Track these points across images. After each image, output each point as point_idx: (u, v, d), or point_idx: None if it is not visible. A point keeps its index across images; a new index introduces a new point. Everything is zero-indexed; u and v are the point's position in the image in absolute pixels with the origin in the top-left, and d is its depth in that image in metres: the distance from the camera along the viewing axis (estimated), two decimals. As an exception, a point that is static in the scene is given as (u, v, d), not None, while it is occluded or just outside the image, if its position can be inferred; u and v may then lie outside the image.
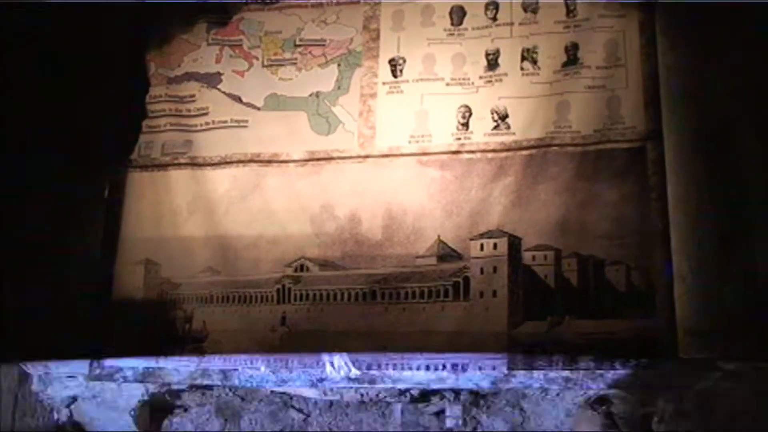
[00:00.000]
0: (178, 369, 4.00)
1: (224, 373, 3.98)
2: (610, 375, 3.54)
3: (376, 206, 4.03)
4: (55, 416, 4.16)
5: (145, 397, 4.09)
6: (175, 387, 4.07)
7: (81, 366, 4.06)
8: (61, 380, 4.12)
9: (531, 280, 3.76)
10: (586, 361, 3.57)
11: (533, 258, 3.78)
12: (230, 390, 4.09)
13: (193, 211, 4.25)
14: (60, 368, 4.09)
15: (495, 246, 3.82)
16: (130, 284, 4.20)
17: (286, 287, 4.02)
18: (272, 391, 4.05)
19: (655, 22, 3.87)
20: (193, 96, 4.43)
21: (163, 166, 4.36)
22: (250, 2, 4.45)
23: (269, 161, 4.24)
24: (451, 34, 4.19)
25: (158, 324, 4.10)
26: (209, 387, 4.06)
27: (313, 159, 4.18)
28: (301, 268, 4.04)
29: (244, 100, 4.36)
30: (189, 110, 4.42)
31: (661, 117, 3.76)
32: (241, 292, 4.07)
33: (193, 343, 4.04)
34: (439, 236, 3.93)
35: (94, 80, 4.26)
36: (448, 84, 4.13)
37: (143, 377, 4.03)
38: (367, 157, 4.12)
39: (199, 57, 4.47)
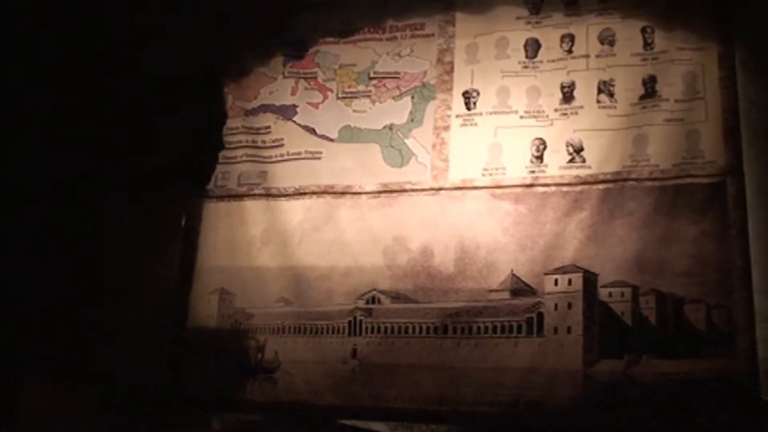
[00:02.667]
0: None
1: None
2: (690, 417, 3.58)
3: (449, 239, 4.16)
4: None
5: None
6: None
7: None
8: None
9: (607, 317, 3.82)
10: (664, 403, 3.61)
11: (610, 294, 3.84)
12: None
13: (267, 241, 4.46)
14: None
15: (570, 281, 3.90)
16: (204, 313, 4.43)
17: (357, 319, 4.19)
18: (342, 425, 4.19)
19: (735, 54, 3.96)
20: (268, 128, 4.67)
21: (239, 197, 4.60)
22: (326, 36, 4.72)
23: (342, 193, 4.43)
24: (526, 67, 4.34)
25: (231, 353, 4.32)
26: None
27: (386, 191, 4.36)
28: (373, 300, 4.21)
29: (319, 132, 4.59)
30: (264, 142, 4.66)
31: (741, 151, 3.83)
32: (313, 324, 4.26)
33: (265, 374, 4.25)
34: (512, 270, 4.03)
35: (173, 110, 4.45)
36: (522, 117, 4.27)
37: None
38: (440, 189, 4.28)
39: (275, 89, 4.73)
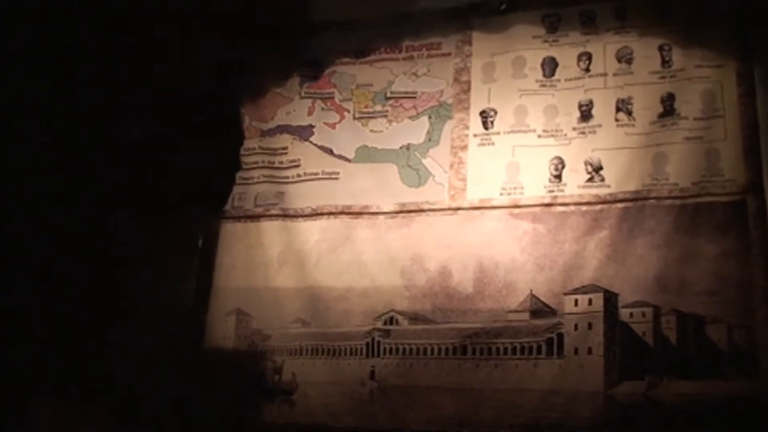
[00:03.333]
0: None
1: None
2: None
3: (467, 259, 4.19)
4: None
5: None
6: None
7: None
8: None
9: (628, 337, 3.83)
10: (685, 425, 3.60)
11: (630, 315, 3.85)
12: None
13: (284, 262, 4.52)
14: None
15: (590, 301, 3.91)
16: (221, 334, 4.48)
17: (375, 340, 4.22)
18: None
19: (754, 71, 3.96)
20: (285, 148, 4.74)
21: (256, 218, 4.65)
22: (342, 56, 4.78)
23: (360, 213, 4.48)
24: (543, 86, 4.37)
25: (248, 375, 4.35)
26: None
27: (404, 211, 4.40)
28: (391, 321, 4.25)
29: (336, 152, 4.65)
30: (281, 162, 4.73)
31: (761, 169, 3.83)
32: (330, 345, 4.30)
33: (283, 396, 4.27)
34: (531, 291, 4.05)
35: (190, 131, 4.53)
36: (540, 136, 4.30)
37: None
38: (457, 209, 4.32)
39: (292, 110, 4.80)
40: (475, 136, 4.43)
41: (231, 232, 4.68)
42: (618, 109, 4.18)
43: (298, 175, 4.68)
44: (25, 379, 3.75)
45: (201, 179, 4.45)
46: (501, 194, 4.28)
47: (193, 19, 4.29)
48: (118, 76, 4.15)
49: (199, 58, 4.38)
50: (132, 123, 4.24)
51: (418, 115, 4.56)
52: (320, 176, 4.63)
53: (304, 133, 4.74)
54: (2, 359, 3.71)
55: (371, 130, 4.63)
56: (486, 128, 4.42)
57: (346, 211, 4.51)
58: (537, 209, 4.18)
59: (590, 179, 4.14)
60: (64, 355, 3.88)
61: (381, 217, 4.45)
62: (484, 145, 4.40)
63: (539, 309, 4.02)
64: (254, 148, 4.78)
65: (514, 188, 4.27)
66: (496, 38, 4.52)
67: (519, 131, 4.35)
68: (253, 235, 4.63)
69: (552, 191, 4.19)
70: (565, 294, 3.98)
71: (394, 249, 4.35)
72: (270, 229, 4.61)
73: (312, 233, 4.51)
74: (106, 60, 4.14)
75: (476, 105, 4.47)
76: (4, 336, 3.71)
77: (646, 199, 3.99)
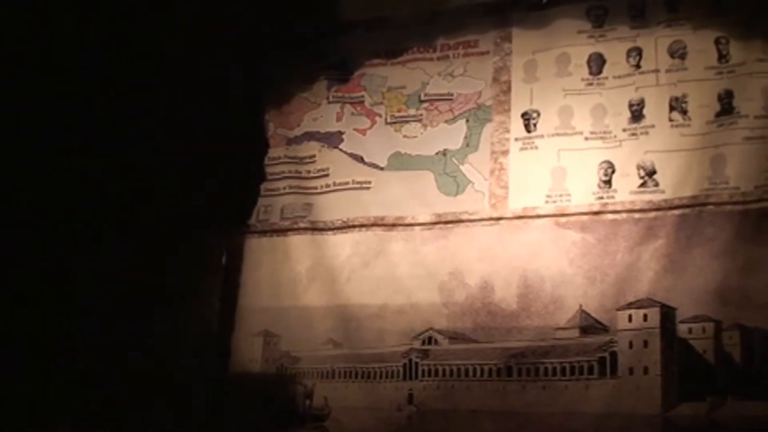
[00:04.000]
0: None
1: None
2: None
3: (510, 273, 4.22)
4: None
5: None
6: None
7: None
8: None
9: (687, 355, 3.84)
10: None
11: (689, 330, 3.86)
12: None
13: (313, 278, 4.60)
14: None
15: (645, 317, 3.93)
16: (247, 357, 4.57)
17: (413, 362, 4.27)
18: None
19: None
20: (313, 157, 4.81)
21: (283, 231, 4.74)
22: (372, 57, 4.86)
23: (393, 225, 4.53)
24: (590, 84, 4.40)
25: (277, 400, 4.44)
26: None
27: (441, 222, 4.44)
28: (429, 340, 4.29)
29: (367, 160, 4.72)
30: (309, 172, 4.80)
31: None
32: (364, 367, 4.36)
33: (314, 422, 4.32)
34: (581, 306, 4.07)
35: (213, 141, 4.58)
36: (587, 138, 4.33)
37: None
38: (499, 219, 4.35)
39: (320, 116, 4.88)
40: (516, 140, 4.45)
41: (256, 247, 4.74)
42: (672, 108, 4.19)
43: (327, 185, 4.73)
44: (45, 408, 3.86)
45: (223, 192, 4.58)
46: (546, 202, 4.30)
47: (209, 22, 4.43)
48: (130, 84, 4.31)
49: (218, 64, 4.51)
50: (146, 136, 4.38)
51: (454, 119, 4.60)
52: (350, 186, 4.68)
53: (332, 140, 4.81)
54: (23, 388, 3.83)
55: (405, 136, 4.67)
56: (528, 131, 4.44)
57: (379, 222, 4.56)
58: (585, 218, 4.19)
59: (643, 184, 4.15)
60: (83, 383, 3.98)
61: (416, 228, 4.48)
62: (526, 149, 4.43)
63: (590, 326, 4.03)
64: (280, 157, 4.86)
65: (560, 195, 4.29)
66: (537, 34, 4.54)
67: (564, 134, 4.37)
68: (279, 250, 4.70)
69: (601, 198, 4.20)
70: (618, 309, 3.99)
71: (431, 263, 4.38)
72: (298, 243, 4.68)
73: (343, 247, 4.57)
74: (115, 67, 4.28)
75: (517, 106, 4.49)
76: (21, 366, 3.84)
77: (704, 204, 3.99)
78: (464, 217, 4.41)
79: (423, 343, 4.29)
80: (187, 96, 4.45)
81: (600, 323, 4.02)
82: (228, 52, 4.54)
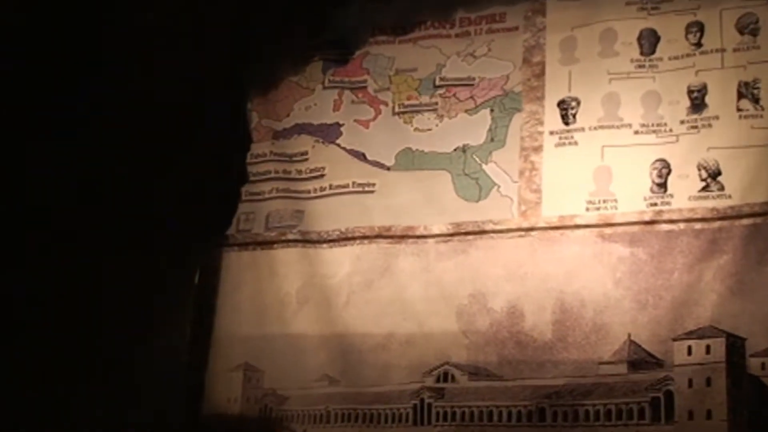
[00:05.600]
0: None
1: None
2: None
3: (544, 295, 4.22)
4: None
5: None
6: None
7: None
8: None
9: (759, 396, 3.82)
10: None
11: (762, 366, 3.85)
12: None
13: (304, 301, 4.59)
14: None
15: (708, 349, 3.91)
16: (225, 396, 4.55)
17: (425, 403, 4.24)
18: None
19: None
20: (305, 154, 4.82)
21: (268, 244, 4.73)
22: (377, 33, 4.87)
23: (402, 236, 4.53)
24: (641, 66, 4.39)
25: (260, 448, 4.42)
26: None
27: (459, 233, 4.44)
28: (445, 377, 4.28)
29: (370, 157, 4.73)
30: (300, 172, 4.80)
31: None
32: (366, 409, 4.34)
33: (306, 476, 4.34)
34: (629, 335, 4.06)
35: (182, 134, 4.53)
36: (637, 132, 4.32)
37: None
38: (530, 229, 4.35)
39: (313, 104, 4.89)
40: (551, 133, 4.46)
41: (236, 263, 4.75)
42: (740, 96, 4.18)
43: (322, 188, 4.75)
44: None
45: (195, 197, 4.58)
46: (587, 209, 4.30)
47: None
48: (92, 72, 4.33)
49: (188, 38, 4.52)
50: (111, 130, 4.39)
51: (476, 108, 4.61)
52: (350, 189, 4.70)
53: (329, 133, 4.82)
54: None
55: (416, 129, 4.69)
56: (566, 123, 4.45)
57: (385, 233, 4.57)
58: (635, 228, 4.19)
59: (705, 188, 4.15)
60: (37, 422, 4.01)
61: (430, 241, 4.48)
62: (563, 145, 4.43)
63: (640, 359, 4.02)
64: (265, 155, 4.88)
65: (605, 201, 4.29)
66: (577, 6, 4.56)
67: (610, 126, 4.37)
68: (264, 266, 4.71)
69: (655, 204, 4.20)
70: (675, 339, 3.99)
71: (448, 283, 4.38)
72: (286, 258, 4.68)
73: (340, 263, 4.57)
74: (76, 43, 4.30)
75: (553, 93, 4.50)
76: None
77: (779, 213, 4.02)
78: (488, 227, 4.41)
79: (437, 380, 4.28)
80: (148, 76, 4.30)
81: (653, 356, 4.01)
82: (202, 25, 4.51)
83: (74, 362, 4.09)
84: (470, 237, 4.42)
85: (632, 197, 4.24)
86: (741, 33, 4.25)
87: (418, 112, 4.70)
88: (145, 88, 4.31)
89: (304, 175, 4.81)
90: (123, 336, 4.22)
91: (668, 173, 4.22)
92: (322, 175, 4.78)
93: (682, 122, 4.26)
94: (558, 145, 4.44)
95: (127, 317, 4.27)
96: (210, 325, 4.67)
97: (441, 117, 4.66)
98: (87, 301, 4.22)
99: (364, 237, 4.60)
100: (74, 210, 4.21)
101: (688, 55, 4.33)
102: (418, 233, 4.52)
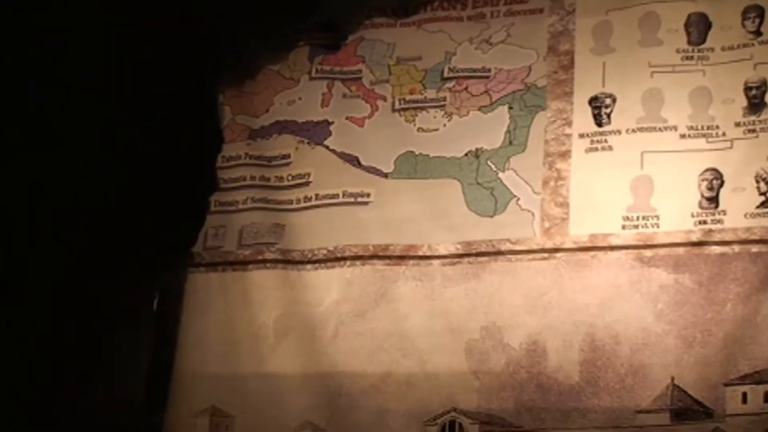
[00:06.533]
0: None
1: None
2: None
3: (571, 330, 4.16)
4: None
5: None
6: None
7: None
8: None
9: (831, 455, 3.81)
10: None
11: (834, 418, 3.85)
12: None
13: (284, 333, 4.51)
14: None
15: (767, 396, 3.87)
16: (187, 446, 4.40)
17: (429, 457, 4.15)
18: None
19: None
20: (287, 157, 4.77)
21: (241, 264, 4.66)
22: (375, 15, 4.85)
23: (402, 257, 4.46)
24: (689, 58, 4.35)
25: None
26: None
27: (470, 254, 4.38)
28: (452, 426, 4.19)
29: (364, 162, 4.67)
30: (281, 178, 4.74)
31: None
32: (357, 464, 4.23)
33: None
34: (673, 379, 3.99)
35: (140, 133, 4.50)
36: (684, 135, 4.26)
37: None
38: (555, 251, 4.28)
39: (297, 98, 4.84)
40: (582, 136, 4.41)
41: (202, 287, 4.69)
42: (808, 94, 4.16)
43: (307, 199, 4.69)
44: None
45: (155, 208, 4.46)
46: (624, 227, 4.23)
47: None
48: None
49: (151, 19, 4.40)
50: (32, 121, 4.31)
51: (492, 105, 4.56)
52: (341, 200, 4.65)
53: (315, 133, 4.78)
54: None
55: (420, 129, 4.64)
56: (599, 124, 4.40)
57: (381, 253, 4.51)
58: (681, 251, 4.13)
59: (764, 203, 4.10)
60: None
61: (435, 262, 4.42)
62: (596, 150, 4.38)
63: (686, 408, 3.96)
64: (239, 157, 4.83)
65: (645, 218, 4.22)
66: (613, -15, 4.51)
67: (651, 129, 4.32)
68: (236, 291, 4.64)
69: (704, 222, 4.14)
70: (727, 384, 3.93)
71: (456, 313, 4.33)
72: (263, 281, 4.62)
73: (327, 289, 4.51)
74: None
75: (584, 88, 4.45)
76: None
77: None
78: (504, 247, 4.35)
79: (442, 430, 4.20)
80: (99, 63, 4.40)
81: (700, 404, 3.94)
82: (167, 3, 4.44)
83: (21, 411, 4.10)
84: (483, 259, 4.37)
85: (677, 214, 4.19)
86: (809, 18, 4.22)
87: (422, 108, 4.66)
88: (91, 81, 4.35)
89: (285, 183, 4.76)
90: (65, 378, 4.24)
91: (720, 185, 4.17)
92: (307, 183, 4.73)
93: (737, 125, 4.22)
94: (589, 150, 4.39)
95: (70, 354, 4.27)
96: (170, 362, 4.60)
97: (450, 115, 4.62)
98: (24, 336, 4.21)
99: (357, 257, 4.53)
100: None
101: (744, 45, 4.29)
102: (420, 253, 4.47)
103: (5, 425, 4.04)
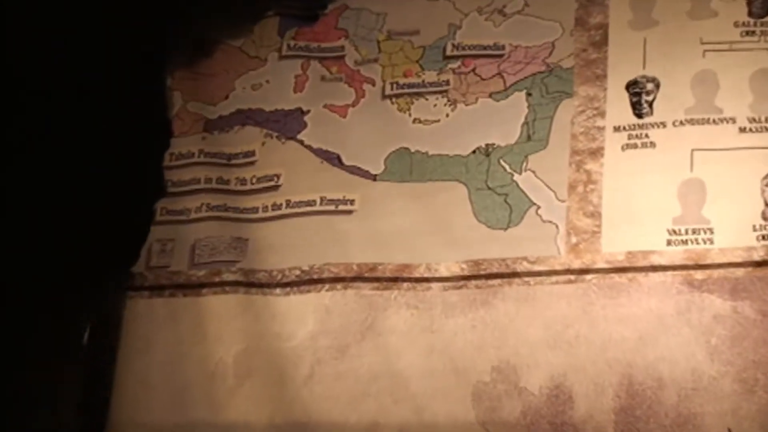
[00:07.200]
0: None
1: None
2: None
3: (604, 370, 3.94)
4: None
5: None
6: None
7: None
8: None
9: None
10: None
11: None
12: None
13: (246, 373, 4.36)
14: None
15: None
16: None
17: None
18: None
19: None
20: (251, 154, 4.65)
21: (194, 288, 4.52)
22: (360, -19, 4.75)
23: (393, 279, 4.30)
24: (750, 33, 4.17)
25: None
26: None
27: (478, 276, 4.20)
28: None
29: (347, 161, 4.53)
30: (243, 181, 4.62)
31: None
32: None
33: None
34: (729, 430, 3.72)
35: (65, 123, 4.35)
36: (743, 129, 4.07)
37: None
38: (584, 272, 4.08)
39: (264, 81, 4.74)
40: (617, 130, 4.22)
41: (145, 315, 4.55)
42: None
43: (276, 206, 4.56)
44: None
45: (87, 219, 4.42)
46: (669, 243, 4.01)
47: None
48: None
49: None
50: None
51: (506, 91, 4.42)
52: (318, 208, 4.51)
53: (287, 124, 4.66)
54: None
55: (416, 120, 4.49)
56: (639, 115, 4.20)
57: (368, 275, 4.34)
58: (740, 272, 3.89)
59: None
60: None
61: (435, 286, 4.24)
62: (635, 147, 4.18)
63: None
64: (192, 154, 4.73)
65: (695, 231, 4.00)
66: (655, -54, 4.46)
67: (703, 121, 4.11)
68: (188, 321, 4.50)
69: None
70: None
71: (461, 350, 4.13)
72: (221, 309, 4.48)
73: (301, 319, 4.35)
74: None
75: (619, 71, 4.28)
76: None
77: None
78: (521, 267, 4.14)
79: None
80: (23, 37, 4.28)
81: None
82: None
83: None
84: (495, 282, 4.17)
85: (736, 226, 3.97)
86: None
87: (419, 95, 4.52)
88: (24, 67, 4.17)
89: (249, 186, 4.63)
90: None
91: (789, 193, 4.10)
92: (276, 186, 4.59)
93: (808, 119, 4.17)
94: (627, 146, 4.19)
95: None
96: (105, 408, 4.43)
97: (454, 103, 4.46)
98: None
99: (338, 279, 4.37)
100: None
101: (818, 21, 4.23)
102: (417, 275, 4.28)
103: None
